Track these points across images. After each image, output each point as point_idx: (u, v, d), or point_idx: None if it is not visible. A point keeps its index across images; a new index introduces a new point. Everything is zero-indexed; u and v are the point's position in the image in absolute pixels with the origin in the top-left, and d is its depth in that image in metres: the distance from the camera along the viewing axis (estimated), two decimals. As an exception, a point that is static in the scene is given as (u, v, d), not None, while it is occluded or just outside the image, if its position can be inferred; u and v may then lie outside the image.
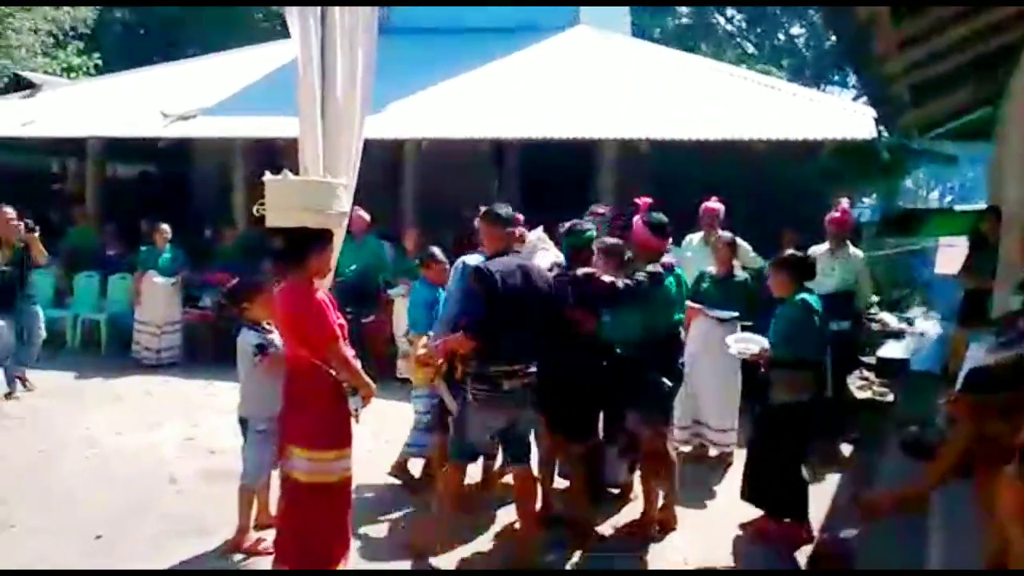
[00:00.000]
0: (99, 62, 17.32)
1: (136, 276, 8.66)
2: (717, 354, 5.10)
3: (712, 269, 5.74)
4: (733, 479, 5.29)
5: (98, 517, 4.64)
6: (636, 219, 4.60)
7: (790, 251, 4.70)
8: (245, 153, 10.17)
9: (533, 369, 4.12)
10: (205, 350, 8.81)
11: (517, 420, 4.19)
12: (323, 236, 3.73)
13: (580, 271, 4.38)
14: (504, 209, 4.25)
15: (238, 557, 4.24)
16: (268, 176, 3.66)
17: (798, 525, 4.45)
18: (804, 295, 4.41)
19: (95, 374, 8.05)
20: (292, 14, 3.74)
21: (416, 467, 5.22)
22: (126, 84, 12.34)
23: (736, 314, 5.41)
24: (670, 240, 4.70)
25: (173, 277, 8.60)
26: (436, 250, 5.22)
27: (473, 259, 4.87)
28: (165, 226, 8.68)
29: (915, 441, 5.02)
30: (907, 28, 4.43)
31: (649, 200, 4.71)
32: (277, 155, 9.56)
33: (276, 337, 4.18)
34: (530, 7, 12.12)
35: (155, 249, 8.62)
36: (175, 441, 6.06)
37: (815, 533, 4.52)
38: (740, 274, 5.77)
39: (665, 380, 4.41)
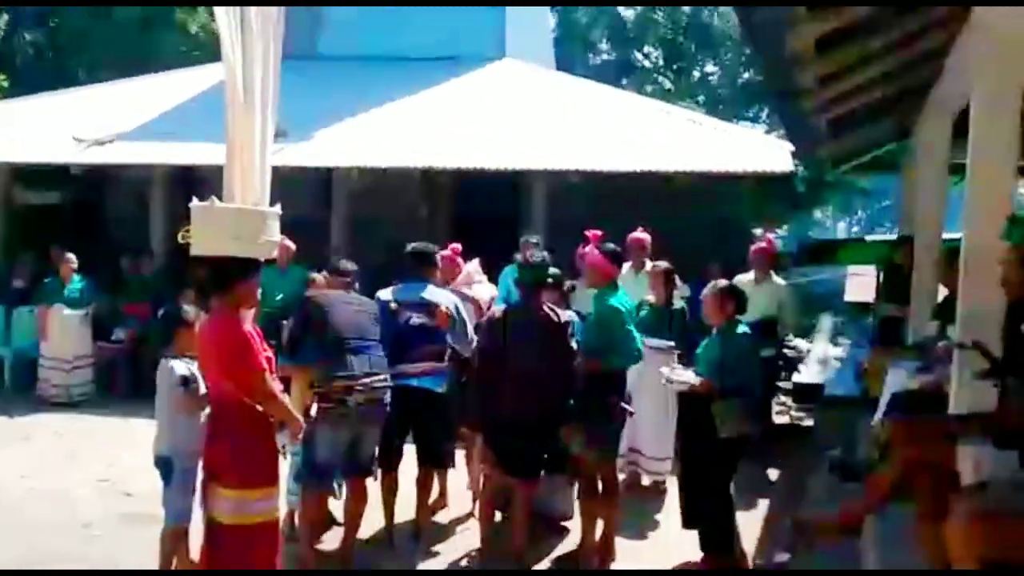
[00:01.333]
0: (4, 84, 16.56)
1: (40, 310, 8.22)
2: (655, 383, 5.09)
3: (651, 298, 5.79)
4: (671, 507, 5.32)
5: (9, 564, 4.34)
6: (590, 249, 4.65)
7: (726, 281, 4.69)
8: (163, 181, 9.84)
9: (382, 384, 4.28)
10: (119, 386, 8.42)
11: (363, 436, 4.34)
12: (250, 265, 3.60)
13: (563, 318, 4.33)
14: (345, 264, 4.76)
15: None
16: (195, 202, 3.51)
17: (727, 556, 4.42)
18: (743, 326, 4.43)
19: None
20: (222, 30, 3.61)
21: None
22: (36, 107, 11.79)
23: (673, 343, 5.49)
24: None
25: (83, 309, 8.20)
26: (317, 275, 5.18)
27: (385, 293, 4.83)
28: (71, 255, 8.30)
29: (842, 463, 5.16)
30: (830, 63, 4.62)
31: (599, 232, 4.78)
32: (196, 183, 9.29)
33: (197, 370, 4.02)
34: (457, 38, 12.18)
35: (60, 280, 8.21)
36: (89, 483, 5.74)
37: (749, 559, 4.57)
38: (678, 303, 5.86)
39: (626, 406, 4.42)
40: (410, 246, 4.98)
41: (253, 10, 3.61)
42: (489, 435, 4.45)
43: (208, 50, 17.17)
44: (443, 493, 5.30)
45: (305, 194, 8.81)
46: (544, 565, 4.59)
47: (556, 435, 4.34)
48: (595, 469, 4.49)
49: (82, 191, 11.07)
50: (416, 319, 4.65)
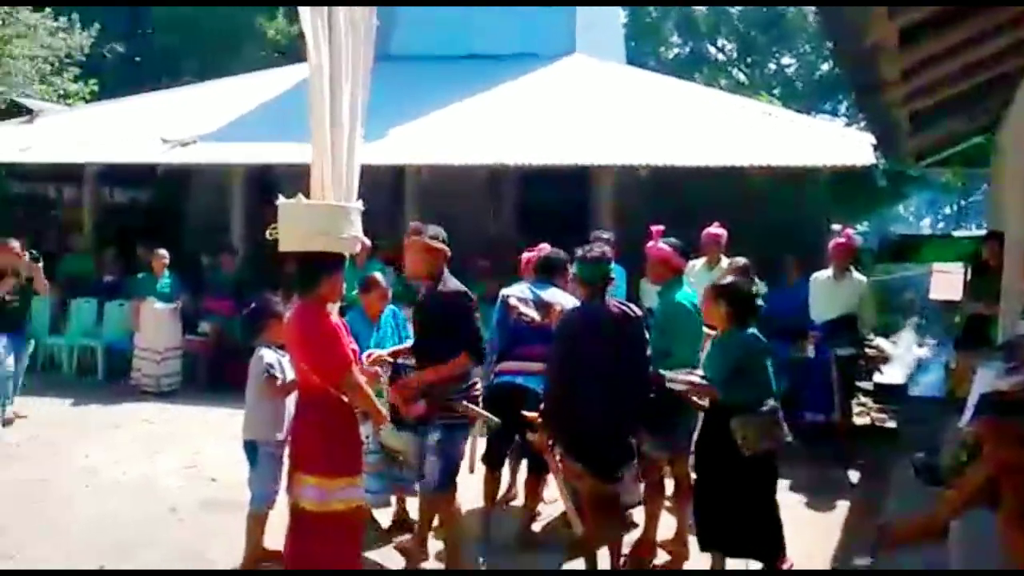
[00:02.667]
0: (95, 88, 17.35)
1: (134, 303, 8.61)
2: None
3: None
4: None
5: (100, 548, 4.56)
6: (656, 243, 4.59)
7: (733, 279, 4.33)
8: (243, 180, 10.18)
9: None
10: (203, 377, 8.76)
11: None
12: (335, 260, 3.70)
13: (637, 312, 4.15)
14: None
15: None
16: (281, 200, 3.63)
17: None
18: (752, 329, 4.03)
19: (93, 402, 7.96)
20: (307, 31, 3.72)
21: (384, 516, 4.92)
22: (124, 110, 12.34)
23: None
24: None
25: (172, 303, 8.56)
26: (378, 275, 5.09)
27: (508, 290, 4.81)
28: (163, 252, 8.65)
29: (926, 466, 4.99)
30: (912, 55, 4.48)
31: (662, 227, 4.72)
32: (274, 182, 9.56)
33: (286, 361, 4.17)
34: (526, 34, 12.22)
35: (153, 275, 8.58)
36: (176, 470, 5.98)
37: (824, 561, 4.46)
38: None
39: (699, 402, 4.32)
40: (541, 254, 4.96)
41: (341, 11, 3.71)
42: (567, 439, 4.18)
43: (286, 53, 17.67)
44: (513, 485, 5.33)
45: (377, 191, 8.99)
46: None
47: (631, 433, 4.19)
48: (674, 469, 4.42)
49: (167, 190, 11.55)
50: (528, 317, 4.61)
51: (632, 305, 4.22)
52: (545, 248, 5.24)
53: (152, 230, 10.61)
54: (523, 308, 4.62)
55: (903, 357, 9.97)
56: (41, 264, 7.22)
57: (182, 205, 11.90)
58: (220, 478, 5.65)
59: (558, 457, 4.22)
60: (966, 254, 8.56)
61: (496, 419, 4.20)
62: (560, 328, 4.31)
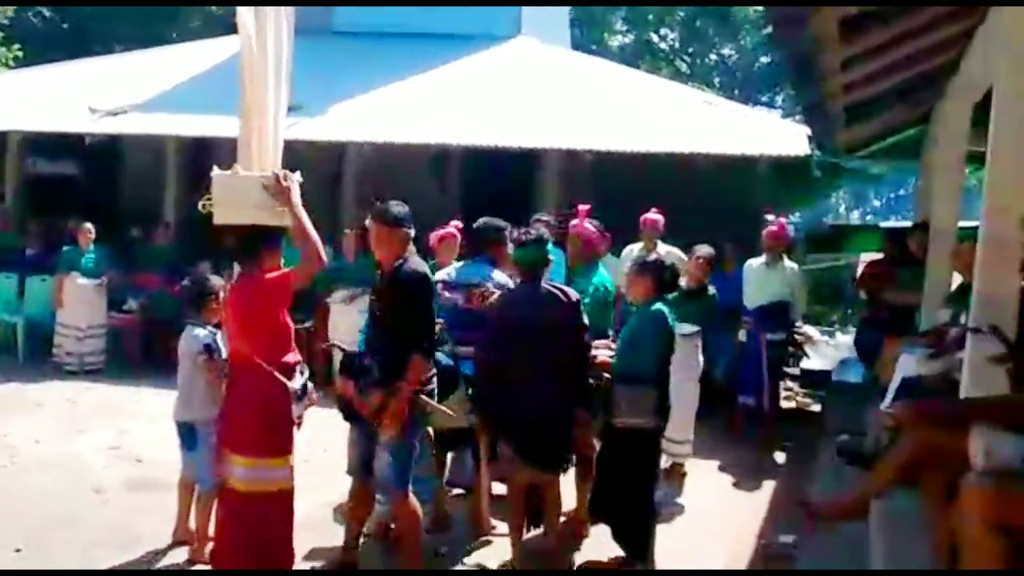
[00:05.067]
0: (19, 54, 16.57)
1: (57, 278, 8.28)
2: (677, 367, 4.92)
3: (683, 282, 5.63)
4: (689, 491, 5.45)
5: (19, 530, 4.37)
6: (580, 222, 4.58)
7: (655, 256, 4.58)
8: (177, 152, 9.87)
9: None
10: (130, 355, 8.50)
11: None
12: (276, 233, 3.64)
13: (573, 297, 4.05)
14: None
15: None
16: (216, 171, 3.52)
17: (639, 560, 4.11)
18: (660, 305, 4.13)
19: (12, 379, 7.63)
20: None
21: None
22: (50, 77, 11.81)
23: (698, 328, 5.47)
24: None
25: (98, 279, 8.25)
26: None
27: (442, 272, 4.58)
28: (89, 225, 8.33)
29: (849, 449, 5.15)
30: (851, 48, 4.57)
31: (588, 207, 4.71)
32: (210, 154, 9.30)
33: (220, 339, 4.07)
34: (472, 15, 12.11)
35: (78, 249, 8.26)
36: (100, 449, 5.78)
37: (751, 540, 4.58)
38: (711, 289, 5.86)
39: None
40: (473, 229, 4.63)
41: None
42: (503, 426, 4.07)
43: (221, 23, 17.15)
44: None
45: (316, 169, 8.82)
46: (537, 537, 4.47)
47: (572, 422, 4.08)
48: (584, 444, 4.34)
49: (96, 161, 11.12)
50: (451, 299, 4.41)
51: (568, 289, 4.13)
52: (457, 225, 5.02)
53: (80, 202, 10.20)
54: (447, 293, 4.41)
55: (828, 343, 10.30)
56: None
57: (113, 177, 11.48)
58: (146, 458, 5.49)
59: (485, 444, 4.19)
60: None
61: (452, 413, 3.98)
62: (494, 311, 4.15)
